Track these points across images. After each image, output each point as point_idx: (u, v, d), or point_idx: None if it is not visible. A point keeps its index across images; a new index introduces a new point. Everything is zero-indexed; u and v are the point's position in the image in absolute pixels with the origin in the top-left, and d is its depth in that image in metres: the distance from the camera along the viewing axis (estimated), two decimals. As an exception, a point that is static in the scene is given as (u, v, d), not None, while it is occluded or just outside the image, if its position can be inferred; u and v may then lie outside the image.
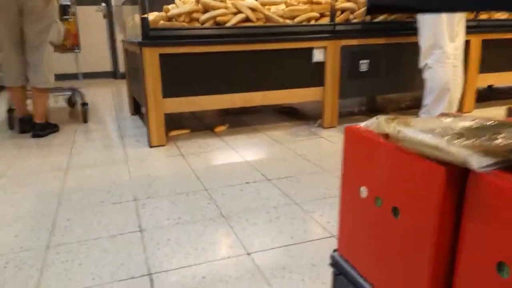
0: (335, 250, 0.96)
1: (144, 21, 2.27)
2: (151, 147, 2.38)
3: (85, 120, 3.15)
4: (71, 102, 3.66)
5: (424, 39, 2.27)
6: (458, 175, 0.64)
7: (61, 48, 3.21)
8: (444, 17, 2.20)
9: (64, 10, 3.11)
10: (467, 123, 0.83)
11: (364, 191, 0.83)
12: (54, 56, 2.94)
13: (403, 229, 0.72)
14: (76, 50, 3.34)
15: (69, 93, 3.56)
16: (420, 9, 0.70)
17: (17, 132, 2.84)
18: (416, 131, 0.74)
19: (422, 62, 2.32)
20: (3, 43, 2.67)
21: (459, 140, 0.70)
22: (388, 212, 0.76)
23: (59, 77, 4.09)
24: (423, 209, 0.67)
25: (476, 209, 0.61)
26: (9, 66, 2.73)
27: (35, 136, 2.69)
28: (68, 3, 3.09)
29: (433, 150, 0.68)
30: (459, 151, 0.64)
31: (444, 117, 0.87)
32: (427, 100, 2.33)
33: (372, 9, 0.76)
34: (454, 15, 2.24)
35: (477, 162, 0.61)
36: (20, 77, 2.76)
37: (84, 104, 3.20)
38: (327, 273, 1.11)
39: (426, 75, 2.30)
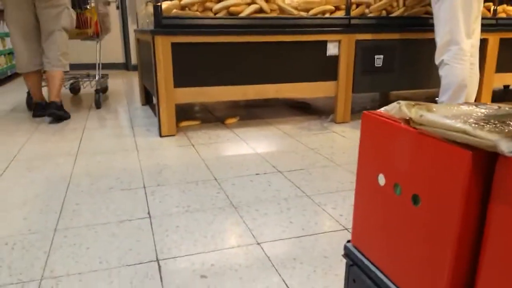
0: (348, 241, 0.94)
1: (157, 9, 2.25)
2: (161, 136, 2.37)
3: (98, 106, 3.21)
4: (75, 90, 3.75)
5: (441, 35, 2.22)
6: (485, 160, 0.61)
7: (83, 36, 3.30)
8: (460, 13, 2.15)
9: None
10: (490, 110, 0.79)
11: (382, 179, 0.80)
12: (77, 44, 2.99)
13: (423, 218, 0.69)
14: (96, 39, 3.38)
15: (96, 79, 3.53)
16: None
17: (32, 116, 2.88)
18: (440, 116, 0.71)
19: (438, 59, 2.27)
20: (15, 30, 2.76)
21: (486, 125, 0.67)
22: (408, 200, 0.73)
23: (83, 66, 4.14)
24: (447, 196, 0.64)
25: (505, 195, 0.57)
26: (21, 53, 2.82)
27: (50, 115, 2.74)
28: None
29: (458, 134, 0.65)
30: (488, 135, 0.61)
31: (466, 105, 0.84)
32: (443, 98, 2.29)
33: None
34: (471, 11, 2.19)
35: (507, 146, 0.58)
36: (32, 62, 2.83)
37: (99, 91, 3.26)
38: (340, 265, 1.09)
39: (442, 72, 2.25)
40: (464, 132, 0.64)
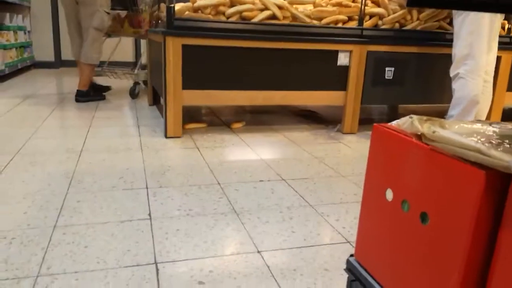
0: (351, 255, 0.92)
1: (170, 10, 2.25)
2: (167, 137, 2.36)
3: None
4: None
5: (460, 48, 2.19)
6: (499, 181, 0.59)
7: (137, 35, 3.75)
8: (485, 28, 2.12)
9: (132, 0, 3.46)
10: (504, 130, 0.77)
11: (390, 193, 0.78)
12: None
13: (431, 237, 0.67)
14: (146, 38, 3.56)
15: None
16: (468, 5, 0.65)
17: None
18: (453, 133, 0.69)
19: (453, 71, 2.24)
20: (67, 24, 3.35)
21: (500, 145, 0.65)
22: (416, 217, 0.71)
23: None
24: (457, 216, 0.62)
25: (518, 219, 0.55)
26: (72, 42, 3.41)
27: (76, 100, 3.34)
28: None
29: (472, 153, 0.63)
30: (502, 156, 0.59)
31: (480, 123, 0.82)
32: (453, 111, 2.26)
33: (414, 1, 0.71)
34: (494, 28, 2.17)
35: (522, 168, 0.56)
36: (75, 53, 3.40)
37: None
38: (341, 279, 1.06)
39: (456, 85, 2.23)
40: (478, 151, 0.62)
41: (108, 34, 3.61)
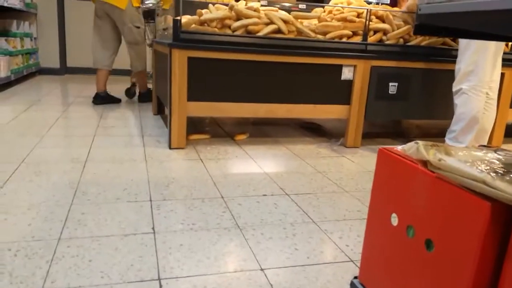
0: (355, 277, 0.92)
1: (177, 23, 2.27)
2: (171, 148, 2.37)
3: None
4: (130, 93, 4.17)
5: (465, 64, 2.19)
6: (504, 213, 0.60)
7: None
8: (492, 46, 2.13)
9: (149, 14, 3.57)
10: (509, 157, 0.78)
11: (395, 219, 0.79)
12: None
13: (436, 264, 0.68)
14: None
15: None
16: (475, 35, 0.66)
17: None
18: (459, 161, 0.70)
19: (456, 86, 2.25)
20: (95, 34, 3.68)
21: (506, 176, 0.66)
22: (421, 244, 0.71)
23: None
24: (462, 246, 0.63)
25: (523, 253, 0.56)
26: (96, 52, 3.71)
27: (94, 103, 3.69)
28: (152, 7, 3.55)
29: (478, 183, 0.63)
30: (508, 188, 0.60)
31: (485, 149, 0.83)
32: (455, 127, 2.27)
33: (420, 29, 0.73)
34: (501, 46, 2.18)
35: (528, 201, 0.57)
36: (102, 63, 3.70)
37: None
38: (343, 299, 1.07)
39: (458, 100, 2.24)
40: (483, 182, 0.62)
41: (150, 44, 3.72)
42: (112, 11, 3.50)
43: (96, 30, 3.66)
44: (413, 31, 0.67)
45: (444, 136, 2.40)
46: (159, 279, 1.11)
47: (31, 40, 5.25)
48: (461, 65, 2.22)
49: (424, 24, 0.72)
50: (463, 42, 2.23)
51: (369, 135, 3.01)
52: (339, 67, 2.55)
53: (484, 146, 0.86)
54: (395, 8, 3.01)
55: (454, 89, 2.28)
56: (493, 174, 0.64)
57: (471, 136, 2.23)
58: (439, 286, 0.67)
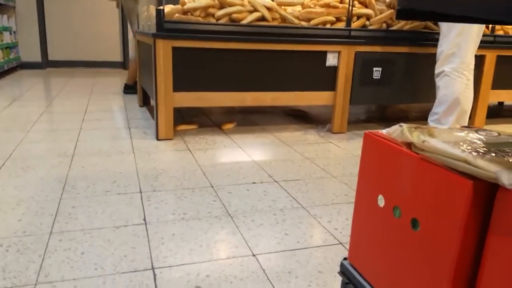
0: (345, 258, 0.95)
1: (160, 13, 2.25)
2: (158, 140, 2.37)
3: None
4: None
5: (447, 46, 2.22)
6: (486, 191, 0.62)
7: None
8: (475, 29, 2.17)
9: None
10: (490, 137, 0.81)
11: (381, 200, 0.81)
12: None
13: (422, 242, 0.70)
14: None
15: None
16: (457, 18, 0.68)
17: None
18: (442, 142, 0.72)
19: (438, 68, 2.29)
20: (131, 24, 3.80)
21: (487, 154, 0.68)
22: (407, 223, 0.74)
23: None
24: (446, 223, 0.65)
25: (504, 226, 0.59)
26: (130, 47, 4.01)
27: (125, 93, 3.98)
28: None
29: (460, 163, 0.66)
30: (489, 166, 0.63)
31: (466, 130, 0.85)
32: (438, 109, 2.31)
33: (402, 13, 0.74)
34: (482, 28, 2.21)
35: (507, 178, 0.59)
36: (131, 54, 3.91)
37: None
38: (335, 281, 1.09)
39: (441, 82, 2.27)
40: (465, 161, 0.65)
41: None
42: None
43: (130, 25, 3.89)
44: (395, 15, 0.69)
45: (427, 118, 2.44)
46: (152, 268, 1.13)
47: (11, 34, 5.15)
48: (443, 48, 2.26)
49: (406, 8, 0.73)
50: (444, 25, 2.26)
51: (354, 121, 3.05)
52: (324, 54, 2.57)
53: (466, 126, 0.89)
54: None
55: (436, 71, 2.31)
56: (474, 154, 0.67)
57: (453, 118, 2.27)
58: (425, 263, 0.70)
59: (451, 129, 0.85)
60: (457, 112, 2.26)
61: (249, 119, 2.99)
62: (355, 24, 2.65)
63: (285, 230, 1.36)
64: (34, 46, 5.61)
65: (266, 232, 1.35)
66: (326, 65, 2.59)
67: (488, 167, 0.63)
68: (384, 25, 2.73)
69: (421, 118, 3.22)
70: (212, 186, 1.72)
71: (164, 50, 2.26)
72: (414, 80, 2.77)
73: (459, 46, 2.18)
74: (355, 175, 1.92)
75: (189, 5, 2.40)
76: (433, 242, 0.68)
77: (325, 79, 2.61)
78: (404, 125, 0.81)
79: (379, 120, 3.20)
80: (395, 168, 0.78)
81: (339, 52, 2.57)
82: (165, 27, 2.27)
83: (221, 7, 2.46)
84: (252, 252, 1.22)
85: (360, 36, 2.62)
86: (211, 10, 2.44)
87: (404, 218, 0.75)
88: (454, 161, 0.66)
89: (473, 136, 0.80)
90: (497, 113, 3.69)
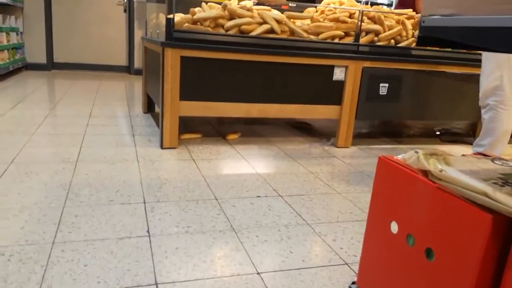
0: (353, 283, 0.93)
1: (169, 21, 2.26)
2: (162, 148, 2.36)
3: None
4: None
5: (490, 78, 2.12)
6: (505, 225, 0.61)
7: None
8: None
9: None
10: (508, 168, 0.79)
11: (395, 226, 0.80)
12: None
13: (436, 273, 0.69)
14: None
15: None
16: (479, 47, 0.67)
17: None
18: (459, 172, 0.71)
19: (483, 100, 2.19)
20: None
21: (505, 187, 0.67)
22: (421, 252, 0.73)
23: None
24: (463, 256, 0.64)
25: (525, 265, 0.57)
26: None
27: None
28: None
29: (479, 195, 0.65)
30: (508, 200, 0.61)
31: (483, 158, 0.84)
32: (484, 141, 2.20)
33: (423, 41, 0.73)
34: None
35: (529, 215, 0.58)
36: None
37: None
38: (340, 303, 1.08)
39: (487, 115, 2.17)
40: (485, 194, 0.64)
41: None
42: None
43: None
44: (416, 42, 0.67)
45: (433, 135, 2.41)
46: (156, 283, 1.11)
47: (17, 34, 5.16)
48: (485, 78, 2.16)
49: (428, 36, 0.73)
50: (487, 55, 2.17)
51: (358, 135, 3.04)
52: (331, 68, 2.57)
53: (482, 154, 0.88)
54: (386, 9, 3.04)
55: (481, 103, 2.21)
56: (493, 186, 0.66)
57: (500, 150, 2.21)
58: (439, 295, 0.68)
59: (467, 157, 0.84)
60: (505, 144, 2.19)
61: (253, 130, 2.99)
62: (363, 40, 2.65)
63: (290, 248, 1.35)
64: (40, 48, 5.62)
65: (270, 249, 1.33)
66: (333, 79, 2.59)
67: (507, 201, 0.62)
68: (393, 42, 2.73)
69: (428, 134, 3.21)
70: (216, 199, 1.70)
71: (172, 59, 2.26)
72: (420, 97, 2.77)
73: (501, 78, 2.09)
74: (360, 191, 1.90)
75: (199, 15, 2.41)
76: (448, 274, 0.67)
77: (332, 93, 2.61)
78: (420, 152, 0.80)
79: (382, 135, 3.19)
80: (410, 195, 0.77)
81: (346, 67, 2.57)
82: (174, 36, 2.27)
83: (231, 18, 2.46)
84: (257, 270, 1.21)
85: (368, 52, 2.62)
86: (221, 21, 2.45)
87: (418, 247, 0.74)
88: (473, 193, 0.65)
89: (489, 165, 0.79)
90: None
